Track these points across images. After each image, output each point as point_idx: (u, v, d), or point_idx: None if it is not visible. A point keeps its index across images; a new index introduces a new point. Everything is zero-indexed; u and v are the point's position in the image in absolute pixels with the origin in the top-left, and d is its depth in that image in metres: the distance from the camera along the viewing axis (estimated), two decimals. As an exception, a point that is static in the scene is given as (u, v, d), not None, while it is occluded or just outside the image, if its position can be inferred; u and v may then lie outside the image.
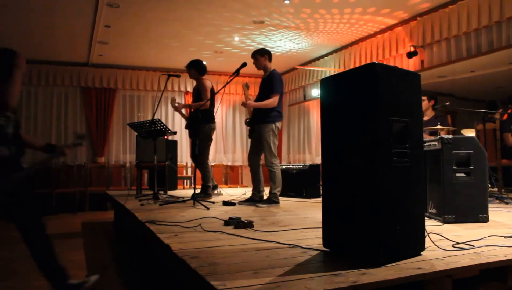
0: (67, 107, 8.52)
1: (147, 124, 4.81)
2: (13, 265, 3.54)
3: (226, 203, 4.43)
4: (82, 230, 5.54)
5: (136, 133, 5.34)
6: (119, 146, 8.88)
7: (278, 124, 4.48)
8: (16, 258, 3.76)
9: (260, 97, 4.56)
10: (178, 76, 5.48)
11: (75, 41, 7.12)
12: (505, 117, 5.78)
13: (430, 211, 3.22)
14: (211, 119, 5.18)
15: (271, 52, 4.67)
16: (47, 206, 7.46)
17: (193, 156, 5.43)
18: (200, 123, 5.00)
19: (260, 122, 4.47)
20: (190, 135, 5.63)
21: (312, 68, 8.23)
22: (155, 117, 4.78)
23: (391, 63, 6.51)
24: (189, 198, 4.52)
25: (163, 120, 8.54)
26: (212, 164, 9.48)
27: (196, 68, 5.29)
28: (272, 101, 4.38)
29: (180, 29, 6.59)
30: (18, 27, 6.32)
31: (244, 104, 4.55)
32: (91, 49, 7.54)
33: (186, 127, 5.56)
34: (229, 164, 9.69)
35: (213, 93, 5.14)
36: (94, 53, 7.80)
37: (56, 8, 5.60)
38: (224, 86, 4.32)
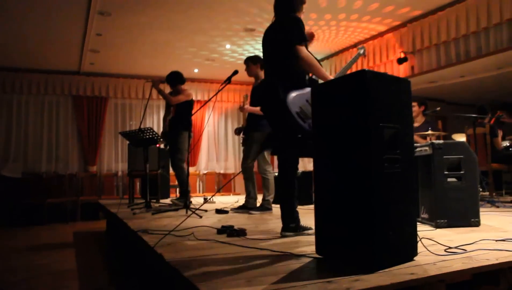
0: (58, 116, 8.46)
1: (139, 132, 4.79)
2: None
3: (219, 211, 4.41)
4: (74, 240, 5.48)
5: (128, 142, 5.30)
6: (111, 154, 8.83)
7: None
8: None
9: (251, 105, 4.61)
10: (163, 81, 5.21)
11: (66, 50, 7.09)
12: (492, 121, 5.84)
13: (422, 216, 3.23)
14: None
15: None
16: (38, 216, 7.38)
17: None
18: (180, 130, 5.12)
19: (253, 130, 4.52)
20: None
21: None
22: (147, 126, 4.77)
23: (382, 70, 6.57)
24: (182, 206, 4.51)
25: (155, 128, 8.52)
26: (205, 172, 9.45)
27: (179, 82, 5.36)
28: None
29: (172, 37, 6.60)
30: (9, 35, 6.28)
31: (241, 108, 4.60)
32: (83, 58, 7.52)
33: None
34: (222, 171, 9.67)
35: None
36: (86, 62, 7.77)
37: (47, 16, 5.58)
38: (216, 93, 4.32)
